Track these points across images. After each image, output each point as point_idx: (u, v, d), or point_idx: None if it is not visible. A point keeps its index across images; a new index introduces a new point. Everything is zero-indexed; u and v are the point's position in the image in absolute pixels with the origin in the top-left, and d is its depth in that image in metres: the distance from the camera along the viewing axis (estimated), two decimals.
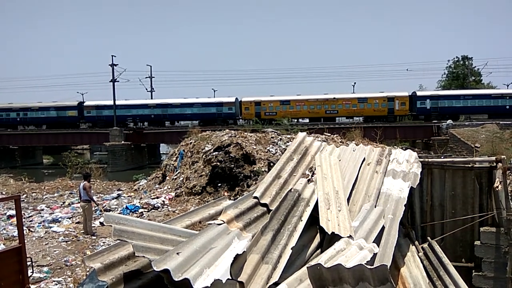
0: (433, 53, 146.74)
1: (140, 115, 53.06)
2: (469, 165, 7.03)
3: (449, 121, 42.66)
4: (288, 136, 18.40)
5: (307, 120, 51.27)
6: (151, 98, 62.00)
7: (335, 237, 5.02)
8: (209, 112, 51.82)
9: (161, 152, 59.69)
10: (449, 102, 47.87)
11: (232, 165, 15.17)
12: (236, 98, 52.69)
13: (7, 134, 54.41)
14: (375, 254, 4.81)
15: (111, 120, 51.41)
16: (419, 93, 50.24)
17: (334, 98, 50.45)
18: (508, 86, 62.74)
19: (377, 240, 5.25)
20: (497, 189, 6.39)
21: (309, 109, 50.72)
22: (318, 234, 5.42)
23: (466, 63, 66.16)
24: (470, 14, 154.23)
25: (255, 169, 14.97)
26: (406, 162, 7.23)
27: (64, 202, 16.24)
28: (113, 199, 16.57)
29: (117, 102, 53.20)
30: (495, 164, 6.78)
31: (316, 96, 51.86)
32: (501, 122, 38.25)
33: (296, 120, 50.70)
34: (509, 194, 6.89)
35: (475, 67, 65.92)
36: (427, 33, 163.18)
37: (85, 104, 54.90)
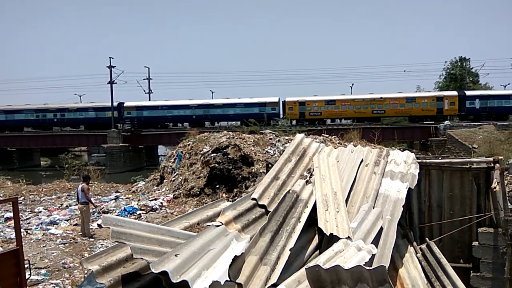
0: (430, 54, 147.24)
1: (181, 115, 52.10)
2: (467, 166, 7.06)
3: (447, 122, 42.71)
4: (286, 137, 18.39)
5: (348, 121, 49.60)
6: (149, 100, 61.90)
7: (333, 238, 5.02)
8: (252, 113, 49.77)
9: (159, 154, 59.54)
10: (499, 102, 47.23)
11: (230, 167, 15.16)
12: (279, 98, 51.76)
13: (5, 136, 54.23)
14: (373, 255, 4.82)
15: (151, 121, 50.83)
16: (468, 93, 49.18)
17: (381, 97, 49.27)
18: (505, 87, 63.07)
19: (376, 241, 5.26)
20: (494, 189, 6.41)
21: (355, 109, 49.32)
22: (316, 236, 5.42)
23: (464, 64, 66.37)
24: (467, 15, 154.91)
25: (253, 170, 14.95)
26: (404, 163, 7.25)
27: (62, 204, 16.19)
28: (111, 201, 16.53)
29: (158, 103, 52.65)
30: (492, 165, 6.80)
31: (362, 95, 50.83)
32: (498, 123, 38.34)
33: (339, 120, 49.55)
34: (507, 195, 6.91)
35: (472, 68, 66.21)
36: (424, 34, 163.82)
37: (125, 105, 53.75)
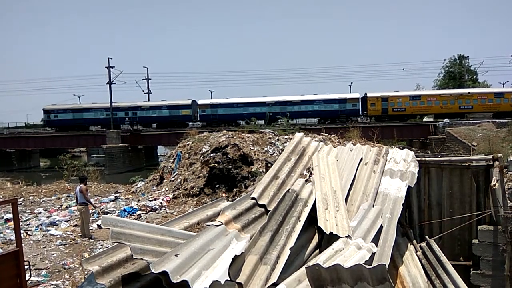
0: (429, 52, 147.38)
1: (257, 113, 50.07)
2: (466, 164, 7.06)
3: (446, 120, 42.75)
4: (286, 136, 18.39)
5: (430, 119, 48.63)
6: (148, 100, 61.79)
7: (333, 237, 5.02)
8: (331, 109, 49.41)
9: (158, 154, 59.46)
10: None
11: (230, 166, 15.16)
12: (359, 94, 50.79)
13: (3, 138, 54.19)
14: (373, 254, 4.82)
15: (225, 118, 50.04)
16: None
17: (469, 93, 48.24)
18: (504, 84, 63.19)
19: (375, 240, 5.26)
20: (494, 187, 6.41)
21: (442, 105, 47.80)
22: (316, 234, 5.42)
23: (462, 62, 66.47)
24: (465, 13, 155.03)
25: (253, 170, 14.96)
26: (403, 161, 7.25)
27: (61, 205, 16.18)
28: (110, 201, 16.52)
29: (233, 100, 52.10)
30: (492, 162, 6.80)
31: (449, 90, 49.80)
32: (497, 121, 38.35)
33: (420, 116, 47.97)
34: (506, 192, 6.91)
35: (471, 66, 66.31)
36: (423, 33, 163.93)
37: (199, 102, 53.48)
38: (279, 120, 48.38)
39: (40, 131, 57.14)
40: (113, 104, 53.14)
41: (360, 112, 50.55)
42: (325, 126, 39.25)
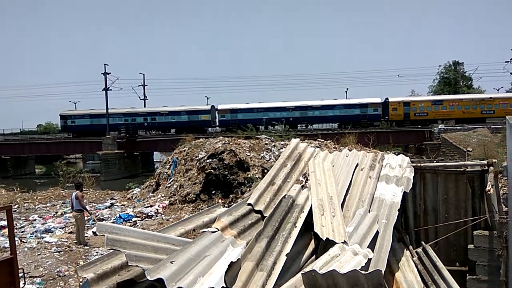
0: (424, 58, 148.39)
1: (277, 118, 49.47)
2: (461, 169, 7.10)
3: (441, 126, 42.98)
4: (282, 142, 18.41)
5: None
6: (144, 107, 61.76)
7: (329, 243, 5.03)
8: (352, 114, 49.02)
9: (154, 160, 59.32)
10: None
11: (226, 172, 15.14)
12: (380, 98, 50.51)
13: None
14: (369, 260, 4.82)
15: (245, 123, 49.57)
16: None
17: (491, 97, 48.07)
18: (498, 90, 63.66)
19: (372, 245, 5.26)
20: (489, 192, 6.45)
21: (464, 109, 47.37)
22: (312, 240, 5.42)
23: (457, 68, 67.00)
24: (460, 19, 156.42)
25: (249, 175, 14.94)
26: (399, 167, 7.28)
27: (56, 212, 16.07)
28: (106, 208, 16.43)
29: (253, 105, 51.87)
30: (487, 167, 6.85)
31: (470, 95, 49.41)
32: (492, 126, 38.62)
33: (441, 121, 47.36)
34: (501, 198, 6.95)
35: (466, 72, 66.84)
36: (418, 39, 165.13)
37: (218, 107, 53.18)
38: (298, 126, 48.67)
39: (56, 137, 56.52)
40: (131, 110, 53.25)
41: (384, 117, 50.03)
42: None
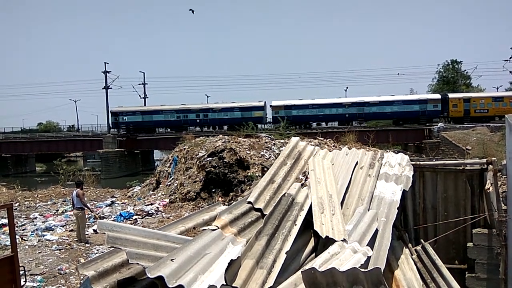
0: (423, 57, 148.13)
1: (333, 114, 49.61)
2: (461, 168, 7.12)
3: (440, 124, 42.93)
4: (282, 141, 18.40)
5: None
6: (144, 105, 61.74)
7: (329, 241, 5.05)
8: (411, 110, 47.67)
9: (155, 159, 59.36)
10: None
11: (226, 171, 15.15)
12: (441, 94, 49.35)
13: None
14: (369, 257, 4.84)
15: (300, 120, 49.12)
16: None
17: None
18: (497, 89, 63.66)
19: (371, 243, 5.29)
20: (488, 191, 6.47)
21: None
22: (312, 238, 5.44)
23: (456, 67, 66.94)
24: (459, 18, 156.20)
25: (249, 174, 14.95)
26: (398, 165, 7.30)
27: (57, 210, 16.07)
28: (106, 206, 16.43)
29: (308, 102, 50.93)
30: (486, 166, 6.86)
31: None
32: (491, 125, 38.58)
33: (500, 118, 45.04)
34: (500, 196, 6.97)
35: (465, 70, 66.78)
36: (417, 37, 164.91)
37: (272, 103, 51.93)
38: (353, 122, 47.18)
39: (107, 133, 56.03)
40: (183, 106, 53.05)
41: (444, 113, 48.93)
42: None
